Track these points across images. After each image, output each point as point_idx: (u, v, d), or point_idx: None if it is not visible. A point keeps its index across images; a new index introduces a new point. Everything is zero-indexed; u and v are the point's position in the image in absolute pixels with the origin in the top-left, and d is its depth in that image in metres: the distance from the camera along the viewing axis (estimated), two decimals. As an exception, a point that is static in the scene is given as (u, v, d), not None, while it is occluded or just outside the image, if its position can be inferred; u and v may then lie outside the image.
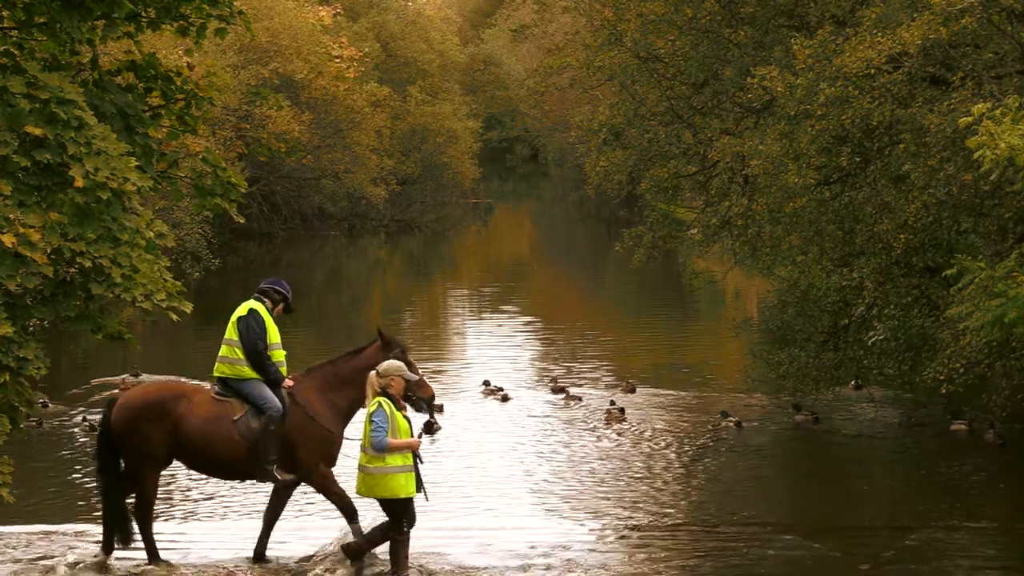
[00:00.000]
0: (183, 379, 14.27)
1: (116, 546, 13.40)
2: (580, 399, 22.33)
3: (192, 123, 11.25)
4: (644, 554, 13.74)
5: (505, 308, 36.57)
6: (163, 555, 13.70)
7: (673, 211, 26.70)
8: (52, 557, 13.56)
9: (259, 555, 13.47)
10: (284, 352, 13.55)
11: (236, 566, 13.37)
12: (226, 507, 16.21)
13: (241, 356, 13.32)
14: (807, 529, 14.70)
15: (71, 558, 13.49)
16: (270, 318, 13.49)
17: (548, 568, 13.22)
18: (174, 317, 9.87)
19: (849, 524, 15.05)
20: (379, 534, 12.82)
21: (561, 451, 19.04)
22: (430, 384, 13.42)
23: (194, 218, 36.56)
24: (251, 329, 13.32)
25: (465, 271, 50.00)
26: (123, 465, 13.36)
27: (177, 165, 10.99)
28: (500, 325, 33.20)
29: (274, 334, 13.45)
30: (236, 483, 17.16)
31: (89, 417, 20.61)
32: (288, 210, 53.18)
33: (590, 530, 14.77)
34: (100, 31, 10.68)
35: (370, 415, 12.51)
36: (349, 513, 13.30)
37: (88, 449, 18.86)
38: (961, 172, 15.88)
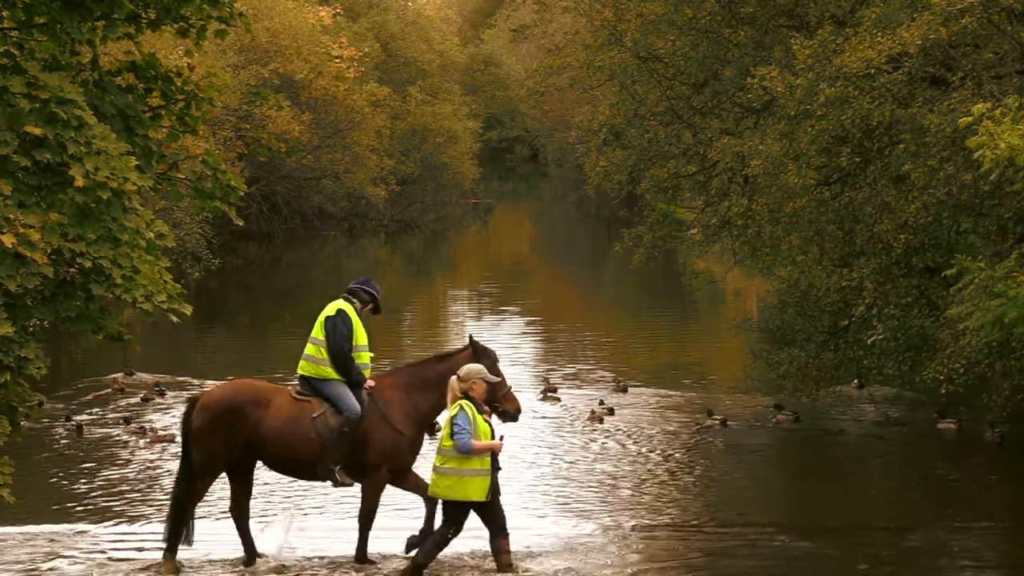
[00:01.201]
0: (253, 379, 14.16)
1: (182, 546, 13.31)
2: (559, 400, 22.33)
3: (192, 124, 11.25)
4: (640, 555, 13.73)
5: (505, 308, 36.58)
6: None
7: (673, 211, 26.72)
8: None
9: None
10: (370, 354, 13.50)
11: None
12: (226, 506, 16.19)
13: (325, 356, 13.24)
14: (806, 529, 14.71)
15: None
16: (358, 319, 13.43)
17: (545, 569, 13.20)
18: (174, 319, 9.87)
19: (848, 524, 15.05)
20: (440, 538, 12.75)
21: (551, 452, 19.00)
22: (516, 397, 13.22)
23: (194, 218, 36.58)
24: (338, 330, 13.24)
25: (465, 271, 50.02)
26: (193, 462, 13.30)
27: (177, 167, 10.98)
28: (500, 325, 33.20)
29: (361, 336, 13.40)
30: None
31: (75, 418, 20.58)
32: (288, 210, 53.19)
33: (590, 532, 14.74)
34: (100, 31, 10.67)
35: (452, 418, 12.48)
36: (365, 530, 13.24)
37: (68, 451, 18.87)
38: (961, 172, 15.88)
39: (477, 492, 12.46)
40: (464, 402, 12.53)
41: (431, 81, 63.33)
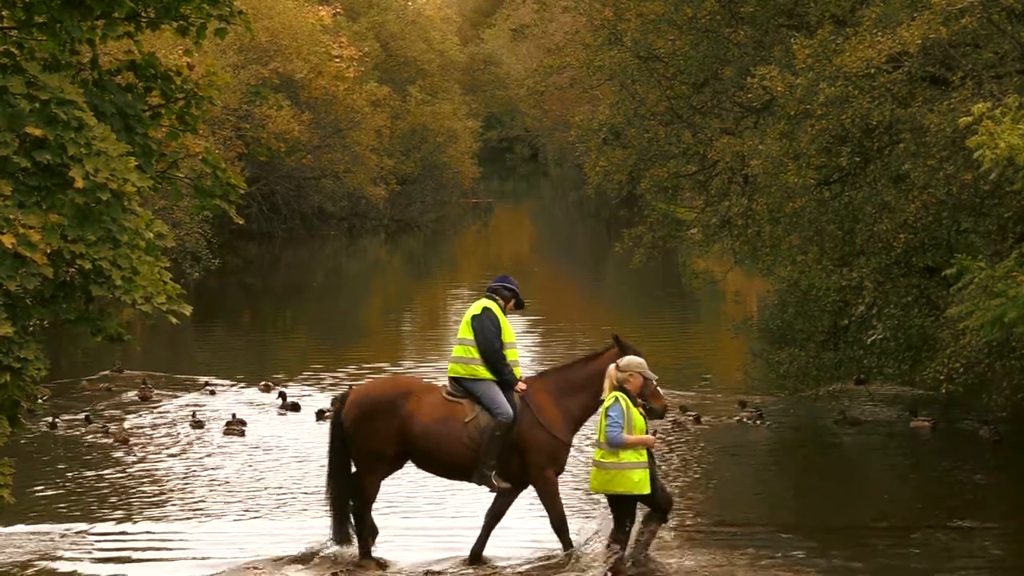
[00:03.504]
0: (402, 375, 14.19)
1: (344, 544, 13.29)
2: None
3: (192, 123, 11.23)
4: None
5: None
6: (161, 555, 13.72)
7: (673, 211, 26.72)
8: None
9: (476, 556, 13.28)
10: (518, 351, 13.45)
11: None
12: (226, 505, 16.22)
13: (476, 356, 13.17)
14: (806, 529, 14.70)
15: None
16: (504, 317, 13.36)
17: (547, 569, 13.21)
18: (173, 320, 9.85)
19: (849, 524, 15.05)
20: (624, 538, 12.69)
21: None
22: (663, 395, 13.08)
23: (194, 218, 36.55)
24: (486, 328, 13.18)
25: (465, 271, 50.01)
26: (352, 462, 13.28)
27: (177, 166, 10.96)
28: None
29: (508, 333, 13.32)
30: (242, 484, 17.26)
31: (62, 419, 20.56)
32: (288, 210, 53.18)
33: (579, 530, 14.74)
34: (100, 30, 10.66)
35: (606, 409, 12.40)
36: (560, 530, 13.20)
37: (52, 454, 18.87)
38: (961, 172, 15.88)
39: (641, 484, 12.34)
40: (619, 393, 12.43)
41: (431, 81, 63.31)
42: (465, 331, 13.31)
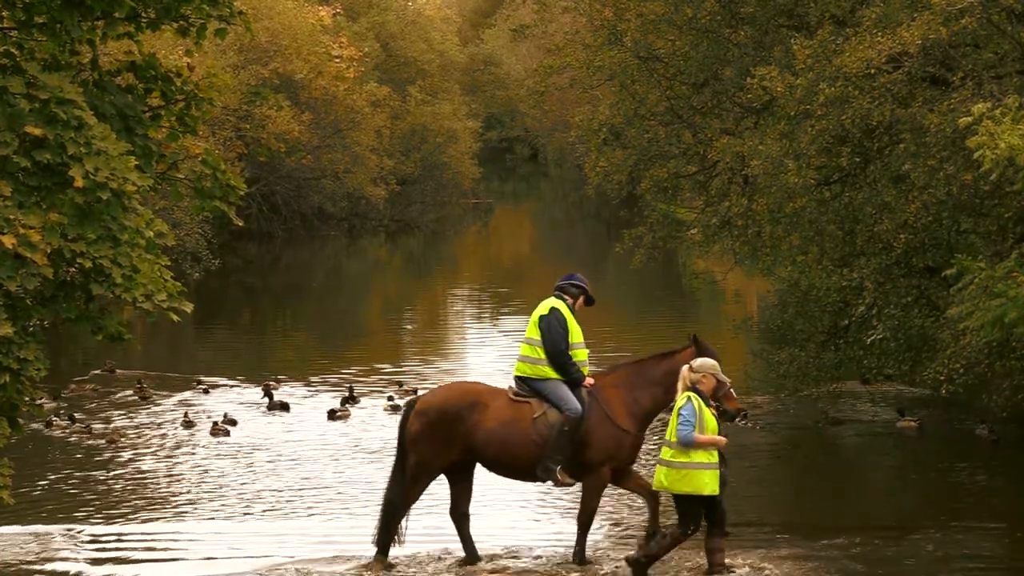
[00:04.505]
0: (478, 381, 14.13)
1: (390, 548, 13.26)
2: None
3: (192, 124, 11.23)
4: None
5: (505, 308, 36.58)
6: (159, 556, 13.72)
7: (673, 211, 26.72)
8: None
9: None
10: (587, 351, 13.39)
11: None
12: (223, 506, 16.23)
13: (542, 356, 13.12)
14: (805, 529, 14.70)
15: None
16: (572, 316, 13.31)
17: (548, 570, 13.21)
18: (174, 318, 9.85)
19: (849, 524, 15.04)
20: (679, 536, 12.62)
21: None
22: (736, 398, 12.95)
23: (194, 218, 36.56)
24: (553, 328, 13.13)
25: (465, 271, 50.00)
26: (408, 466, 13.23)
27: (177, 167, 10.96)
28: (500, 325, 33.21)
29: (576, 333, 13.27)
30: (237, 484, 17.26)
31: (55, 420, 20.57)
32: (288, 210, 53.15)
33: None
34: (100, 31, 10.66)
35: (678, 409, 12.34)
36: (584, 530, 13.18)
37: (44, 454, 18.87)
38: (961, 172, 15.88)
39: (710, 485, 12.28)
40: (692, 393, 12.36)
41: (431, 81, 63.27)
42: (532, 331, 13.26)
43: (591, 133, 24.23)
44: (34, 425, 19.83)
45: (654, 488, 12.69)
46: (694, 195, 25.25)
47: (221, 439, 19.70)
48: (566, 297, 13.42)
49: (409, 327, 34.90)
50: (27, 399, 9.91)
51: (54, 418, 20.50)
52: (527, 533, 14.50)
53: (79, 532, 14.87)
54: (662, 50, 21.51)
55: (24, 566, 13.57)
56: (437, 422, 13.04)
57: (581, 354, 13.27)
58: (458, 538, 13.30)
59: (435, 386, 23.74)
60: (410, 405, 13.55)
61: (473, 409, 13.06)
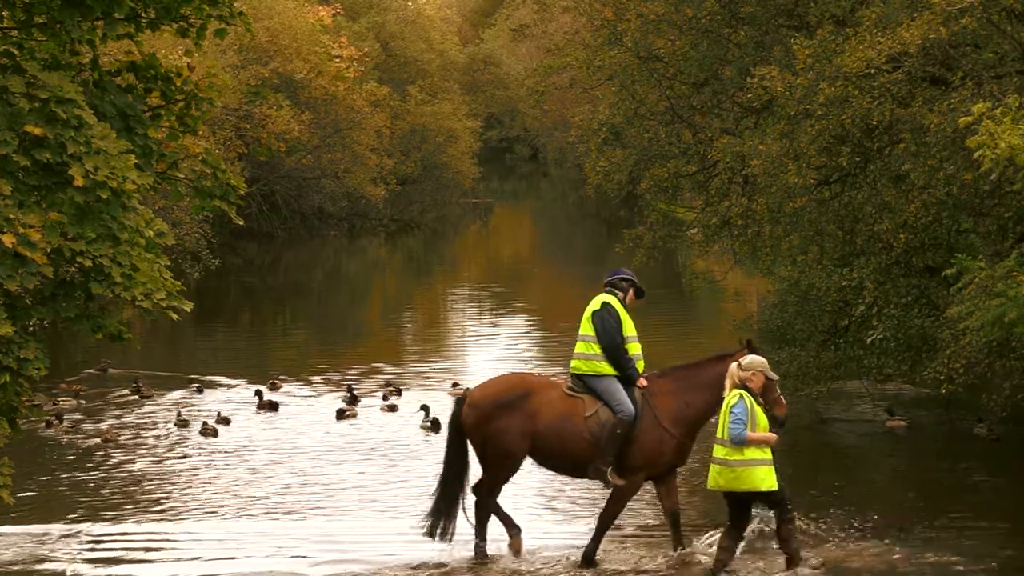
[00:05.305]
0: (533, 372, 14.09)
1: (436, 539, 13.32)
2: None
3: (192, 124, 11.24)
4: (649, 554, 13.71)
5: (506, 308, 36.57)
6: (160, 555, 13.70)
7: (673, 211, 26.69)
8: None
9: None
10: (640, 345, 13.37)
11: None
12: (221, 506, 16.22)
13: (597, 351, 13.13)
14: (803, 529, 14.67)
15: None
16: (624, 310, 13.30)
17: (555, 569, 13.21)
18: (174, 316, 9.86)
19: (844, 524, 15.03)
20: (732, 544, 12.65)
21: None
22: (785, 404, 12.93)
23: (194, 218, 36.56)
24: (607, 323, 13.14)
25: (465, 271, 49.99)
26: (478, 463, 13.28)
27: (177, 166, 10.96)
28: (500, 325, 33.21)
29: (629, 327, 13.28)
30: (235, 483, 17.26)
31: (54, 420, 20.58)
32: (288, 210, 53.14)
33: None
34: (100, 31, 10.67)
35: (730, 407, 12.33)
36: (601, 531, 13.19)
37: (41, 454, 18.88)
38: (961, 172, 15.88)
39: (766, 481, 12.29)
40: (742, 391, 12.37)
41: (431, 81, 63.28)
42: (586, 327, 13.24)
43: (591, 133, 24.24)
44: (33, 425, 19.86)
45: (709, 486, 12.61)
46: (694, 195, 25.26)
47: (210, 439, 19.68)
48: (617, 292, 13.39)
49: (409, 327, 34.88)
50: (25, 400, 9.92)
51: (55, 418, 20.51)
52: (536, 538, 14.47)
53: (78, 532, 14.86)
54: (662, 50, 21.50)
55: (24, 566, 13.57)
56: (493, 412, 13.05)
57: (635, 348, 13.28)
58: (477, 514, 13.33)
59: (430, 387, 23.85)
60: (461, 400, 13.53)
61: (529, 398, 13.07)
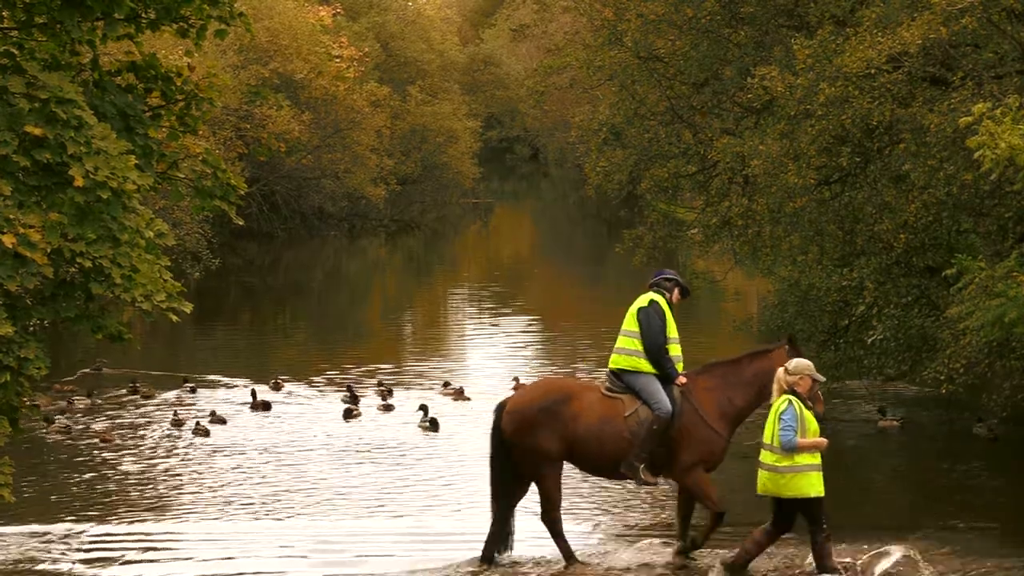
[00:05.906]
0: (573, 376, 14.01)
1: (496, 555, 13.23)
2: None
3: (192, 124, 11.24)
4: (642, 554, 13.70)
5: (506, 308, 36.57)
6: (159, 556, 13.71)
7: (673, 211, 26.71)
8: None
9: (693, 544, 13.21)
10: (680, 347, 13.34)
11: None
12: (221, 506, 16.22)
13: (639, 348, 13.09)
14: (802, 529, 14.66)
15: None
16: (669, 311, 13.28)
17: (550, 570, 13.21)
18: (173, 318, 9.86)
19: (849, 524, 15.03)
20: (766, 540, 12.60)
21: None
22: (823, 400, 12.84)
23: (194, 218, 36.55)
24: (652, 321, 13.10)
25: (465, 271, 49.98)
26: (520, 471, 13.20)
27: (177, 166, 10.97)
28: (501, 325, 33.19)
29: (672, 328, 13.25)
30: (234, 483, 17.26)
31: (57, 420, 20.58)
32: (288, 210, 53.12)
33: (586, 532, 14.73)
34: (100, 31, 10.67)
35: (779, 413, 12.24)
36: (716, 520, 13.13)
37: (38, 453, 18.88)
38: (961, 172, 15.89)
39: (815, 487, 12.22)
40: (791, 396, 12.27)
41: (431, 81, 63.26)
42: (630, 323, 13.21)
43: (591, 133, 24.24)
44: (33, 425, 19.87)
45: (758, 492, 12.53)
46: (694, 195, 25.26)
47: (202, 438, 19.66)
48: (664, 292, 13.39)
49: (409, 327, 34.89)
50: (26, 399, 9.93)
51: (57, 417, 20.52)
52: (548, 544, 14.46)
53: (78, 532, 14.86)
54: (662, 50, 21.51)
55: (23, 566, 13.57)
56: (533, 419, 12.99)
57: (675, 349, 13.26)
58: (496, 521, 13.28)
59: (431, 387, 23.86)
60: (501, 406, 13.44)
61: (568, 403, 13.03)
